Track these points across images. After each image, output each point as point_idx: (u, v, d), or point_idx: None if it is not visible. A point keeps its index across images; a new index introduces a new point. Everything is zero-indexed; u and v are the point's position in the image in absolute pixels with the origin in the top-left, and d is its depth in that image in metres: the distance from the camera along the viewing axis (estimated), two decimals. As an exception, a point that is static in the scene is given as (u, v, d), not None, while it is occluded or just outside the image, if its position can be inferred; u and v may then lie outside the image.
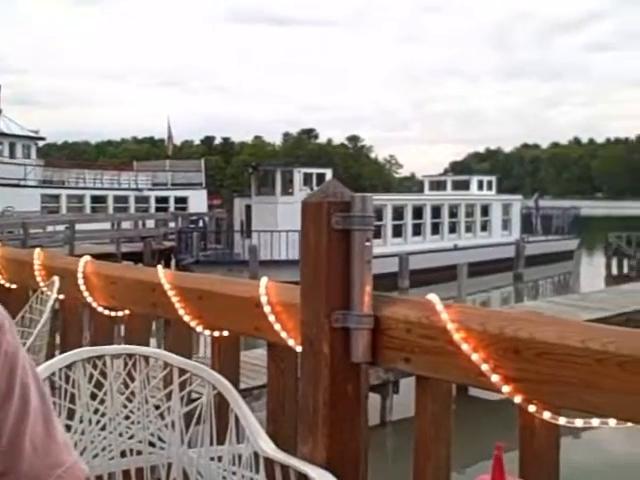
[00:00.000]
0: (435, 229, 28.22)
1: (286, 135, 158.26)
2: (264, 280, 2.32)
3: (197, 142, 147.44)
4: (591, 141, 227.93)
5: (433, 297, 1.86)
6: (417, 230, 27.38)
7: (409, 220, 26.89)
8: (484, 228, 30.74)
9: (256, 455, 1.99)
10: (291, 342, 2.15)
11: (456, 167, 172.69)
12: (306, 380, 1.98)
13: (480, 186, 33.49)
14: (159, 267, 2.73)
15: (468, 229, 29.99)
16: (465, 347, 1.73)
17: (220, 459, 2.05)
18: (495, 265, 27.80)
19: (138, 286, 2.84)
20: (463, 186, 33.35)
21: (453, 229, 29.17)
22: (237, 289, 2.45)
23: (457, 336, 1.74)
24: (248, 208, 25.23)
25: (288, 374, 2.26)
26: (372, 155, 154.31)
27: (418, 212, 27.42)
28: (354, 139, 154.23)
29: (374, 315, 1.93)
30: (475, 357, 1.71)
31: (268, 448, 1.99)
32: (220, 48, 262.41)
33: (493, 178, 35.47)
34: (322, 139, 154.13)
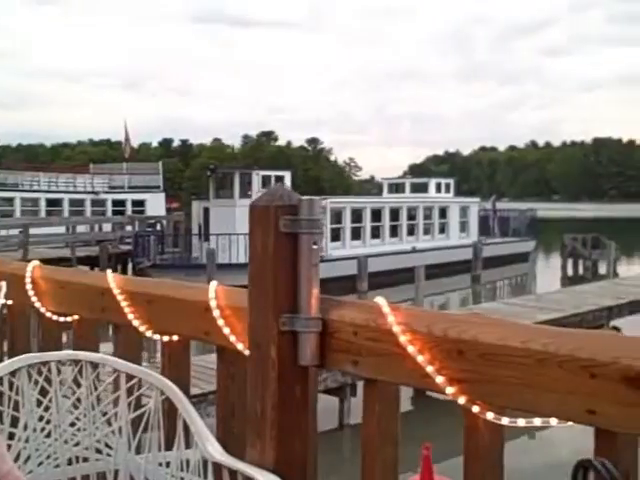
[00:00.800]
0: (394, 231, 28.41)
1: (245, 137, 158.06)
2: (213, 284, 2.31)
3: (155, 144, 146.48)
4: (548, 144, 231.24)
5: (380, 300, 1.87)
6: (376, 233, 27.53)
7: (368, 223, 27.04)
8: (442, 230, 31.03)
9: (204, 460, 1.99)
10: (240, 346, 2.15)
11: (415, 170, 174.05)
12: (254, 384, 1.98)
13: (438, 189, 33.79)
14: (108, 271, 2.71)
15: (426, 231, 30.25)
16: (411, 349, 1.74)
17: (168, 465, 2.04)
18: (453, 267, 28.07)
19: (87, 291, 2.81)
20: (421, 189, 33.63)
21: (412, 231, 29.40)
22: (187, 293, 2.43)
23: (403, 338, 1.76)
24: (206, 211, 25.12)
25: (238, 378, 2.26)
26: (332, 158, 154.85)
27: (377, 215, 27.58)
28: (314, 142, 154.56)
29: (322, 318, 1.94)
30: (420, 359, 1.72)
31: (216, 453, 1.98)
32: (179, 49, 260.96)
33: (451, 181, 35.83)
34: (282, 142, 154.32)
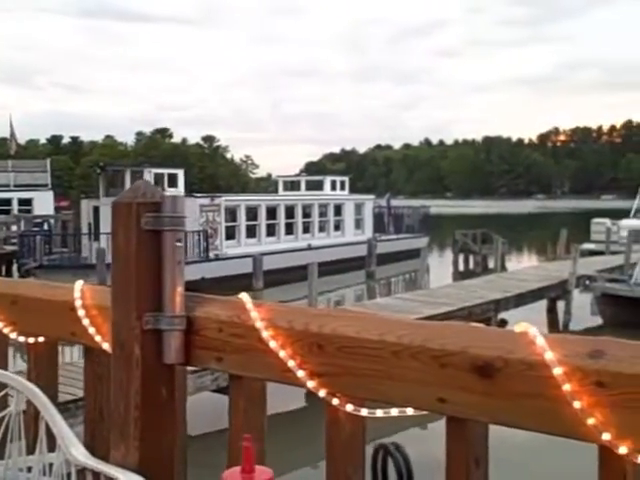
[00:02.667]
0: (289, 229, 28.50)
1: (139, 134, 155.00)
2: (79, 283, 2.26)
3: (43, 141, 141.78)
4: (441, 142, 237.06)
5: (244, 296, 1.87)
6: (271, 230, 27.55)
7: (263, 221, 27.02)
8: (337, 227, 31.33)
9: (67, 463, 1.94)
10: (106, 346, 2.10)
11: (312, 167, 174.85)
12: (118, 384, 1.95)
13: (333, 186, 34.10)
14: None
15: (322, 229, 30.48)
16: (273, 344, 1.75)
17: (30, 470, 1.98)
18: (349, 264, 28.40)
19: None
20: (317, 186, 33.86)
21: (307, 229, 29.57)
22: (52, 293, 2.36)
23: (266, 334, 1.76)
24: (96, 210, 24.51)
25: (106, 379, 2.21)
26: (228, 155, 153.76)
27: (272, 212, 27.60)
28: (209, 139, 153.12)
29: (187, 316, 1.92)
30: (282, 354, 1.73)
31: (80, 456, 1.94)
32: (68, 44, 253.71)
33: (346, 178, 36.23)
34: (177, 139, 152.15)
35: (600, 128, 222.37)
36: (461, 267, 34.16)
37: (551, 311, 19.78)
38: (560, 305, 19.63)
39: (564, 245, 27.79)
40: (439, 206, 79.77)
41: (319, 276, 18.51)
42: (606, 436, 1.27)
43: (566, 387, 1.31)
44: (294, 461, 8.61)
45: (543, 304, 19.67)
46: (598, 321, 18.75)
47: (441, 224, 50.35)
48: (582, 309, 19.37)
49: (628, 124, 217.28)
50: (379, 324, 1.65)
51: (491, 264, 32.70)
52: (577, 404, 1.30)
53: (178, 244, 1.93)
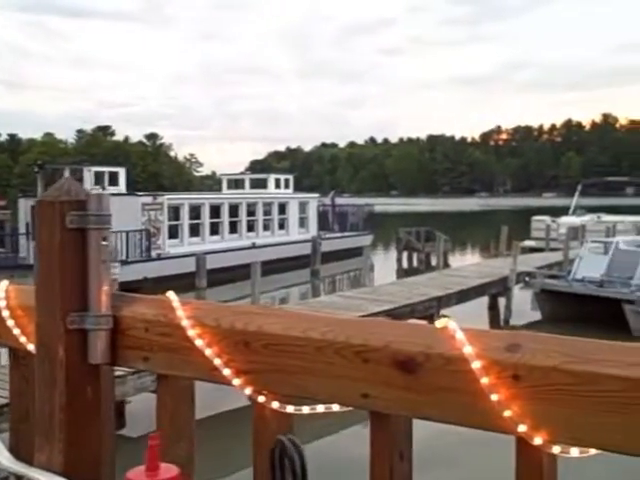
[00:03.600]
0: (233, 228, 28.37)
1: (80, 132, 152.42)
2: (4, 283, 2.21)
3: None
4: (386, 141, 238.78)
5: (171, 294, 1.86)
6: (215, 229, 27.39)
7: (207, 219, 26.85)
8: (282, 226, 31.31)
9: (-9, 467, 1.90)
10: (31, 347, 2.07)
11: (257, 165, 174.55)
12: (42, 385, 1.91)
13: (277, 184, 34.09)
14: None
15: (266, 227, 30.43)
16: (199, 343, 1.74)
17: (-48, 475, 1.93)
18: (293, 262, 28.42)
19: None
20: (261, 185, 33.81)
21: (251, 228, 29.48)
22: (-24, 294, 2.31)
23: (192, 332, 1.75)
24: (34, 209, 24.01)
25: (31, 381, 2.17)
26: (172, 153, 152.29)
27: (216, 211, 27.45)
28: (153, 137, 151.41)
29: (113, 315, 1.90)
30: (209, 352, 1.72)
31: (4, 459, 1.90)
32: (6, 39, 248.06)
33: (290, 177, 36.25)
34: (119, 137, 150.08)
35: (541, 127, 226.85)
36: (405, 265, 34.47)
37: (492, 307, 20.12)
38: (501, 301, 19.97)
39: (505, 242, 28.24)
40: (384, 204, 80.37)
41: (264, 275, 18.50)
42: (522, 428, 1.30)
43: (484, 380, 1.33)
44: (230, 462, 8.58)
45: (485, 300, 19.99)
46: (538, 316, 19.13)
47: (386, 222, 50.73)
48: (523, 305, 19.73)
49: (568, 123, 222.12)
50: (304, 321, 1.66)
51: (434, 261, 33.07)
52: (494, 397, 1.32)
53: (104, 243, 1.91)
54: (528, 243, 33.59)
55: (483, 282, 19.24)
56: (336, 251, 31.76)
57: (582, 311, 17.17)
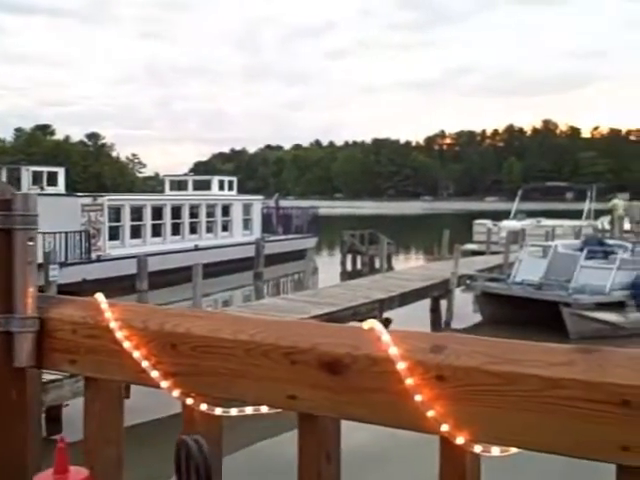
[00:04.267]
0: (176, 229, 28.12)
1: (18, 131, 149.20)
2: None
3: None
4: (331, 143, 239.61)
5: (99, 296, 1.83)
6: (157, 231, 27.10)
7: (148, 221, 26.55)
8: (225, 228, 31.15)
9: None
10: (-45, 350, 2.01)
11: (201, 167, 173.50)
12: (-36, 390, 1.87)
13: (221, 186, 33.92)
14: None
15: (209, 229, 30.23)
16: (127, 345, 1.72)
17: None
18: (237, 264, 28.30)
19: None
20: (204, 186, 33.59)
21: (194, 229, 29.25)
22: None
23: (120, 334, 1.73)
24: None
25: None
26: (114, 154, 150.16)
27: (158, 212, 27.16)
28: (94, 136, 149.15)
29: (39, 317, 1.87)
30: (137, 354, 1.71)
31: None
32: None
33: (234, 179, 36.12)
34: (59, 136, 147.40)
35: (484, 132, 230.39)
36: (349, 267, 34.61)
37: (434, 310, 20.32)
38: (443, 304, 20.19)
39: (447, 246, 28.59)
40: (329, 207, 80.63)
41: (207, 277, 18.38)
42: (445, 427, 1.31)
43: (408, 381, 1.35)
44: (165, 466, 8.49)
45: (427, 303, 20.19)
46: (479, 319, 19.40)
47: (331, 225, 50.91)
48: (465, 307, 19.99)
49: (510, 128, 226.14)
50: (232, 323, 1.65)
51: (378, 264, 33.29)
52: (418, 397, 1.33)
53: (30, 243, 1.87)
54: (470, 246, 34.04)
55: (425, 285, 19.43)
56: (280, 254, 31.73)
57: (521, 313, 17.46)
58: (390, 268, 29.97)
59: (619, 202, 34.93)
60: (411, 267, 27.98)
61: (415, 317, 18.68)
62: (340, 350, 1.45)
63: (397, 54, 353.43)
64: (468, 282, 20.71)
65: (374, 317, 15.64)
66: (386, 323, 17.00)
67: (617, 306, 17.63)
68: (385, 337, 1.41)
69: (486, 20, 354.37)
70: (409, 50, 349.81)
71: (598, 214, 40.15)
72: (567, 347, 1.26)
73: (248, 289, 27.02)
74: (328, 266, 35.07)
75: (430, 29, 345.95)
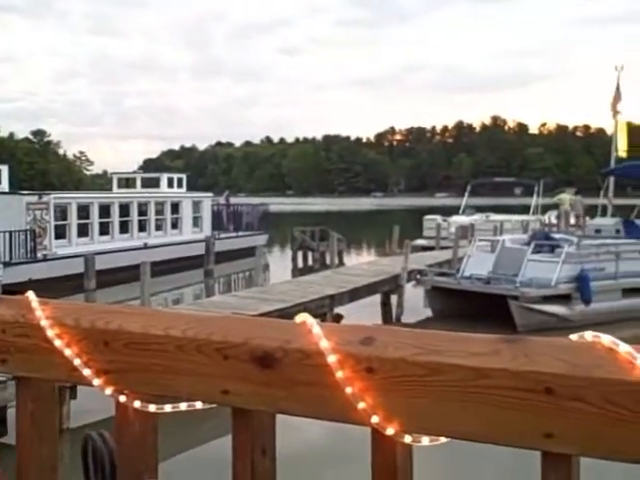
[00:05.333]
0: (124, 228, 27.81)
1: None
2: None
3: None
4: (282, 140, 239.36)
5: (30, 294, 1.80)
6: (105, 229, 26.76)
7: (96, 219, 26.20)
8: (175, 226, 30.91)
9: None
10: None
11: (150, 164, 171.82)
12: None
13: (170, 184, 33.64)
14: None
15: (158, 227, 29.95)
16: (58, 343, 1.69)
17: None
18: (187, 262, 28.11)
19: None
20: (153, 184, 33.28)
21: (143, 227, 28.95)
22: None
23: (51, 332, 1.71)
24: None
25: None
26: (60, 151, 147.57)
27: (105, 210, 26.82)
28: (40, 133, 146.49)
29: (-32, 316, 1.82)
30: (68, 352, 1.68)
31: None
32: None
33: (183, 176, 35.84)
34: (3, 133, 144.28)
35: (434, 128, 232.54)
36: (300, 264, 34.63)
37: (385, 305, 20.46)
38: (394, 299, 20.33)
39: (397, 241, 28.79)
40: (280, 204, 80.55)
41: (157, 275, 18.23)
42: (375, 419, 1.32)
43: (339, 374, 1.35)
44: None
45: (378, 298, 20.31)
46: (429, 313, 19.59)
47: (282, 221, 50.89)
48: (415, 302, 20.15)
49: (459, 125, 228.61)
50: (165, 319, 1.64)
51: (330, 260, 33.35)
52: (349, 390, 1.34)
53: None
54: (420, 242, 34.35)
55: (376, 280, 19.54)
56: (230, 251, 31.59)
57: (471, 307, 17.69)
58: (341, 264, 30.06)
59: (565, 196, 35.55)
60: (362, 263, 28.11)
61: (366, 312, 18.80)
62: (272, 344, 1.45)
63: (348, 51, 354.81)
64: (418, 277, 20.88)
65: (324, 313, 15.69)
66: (337, 319, 17.15)
67: (563, 299, 17.97)
68: (316, 330, 1.41)
69: (436, 18, 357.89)
70: (360, 47, 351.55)
71: (545, 209, 40.83)
72: (492, 337, 1.28)
73: (199, 287, 26.87)
74: (279, 263, 35.05)
75: (380, 26, 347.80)
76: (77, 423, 8.46)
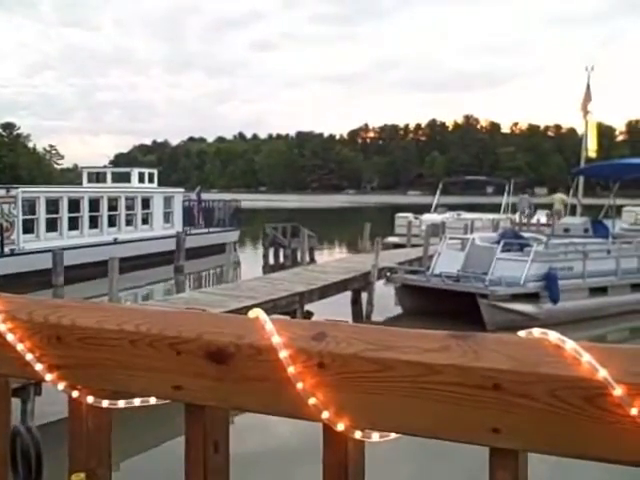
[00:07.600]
0: (94, 222, 27.58)
1: None
2: None
3: None
4: (255, 136, 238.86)
5: (-18, 288, 1.78)
6: (74, 224, 26.52)
7: (65, 213, 25.94)
8: (145, 221, 30.71)
9: None
10: None
11: (122, 159, 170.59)
12: None
13: (141, 179, 33.41)
14: None
15: (129, 222, 29.74)
16: (11, 338, 1.68)
17: None
18: (157, 258, 27.96)
19: None
20: (124, 178, 33.03)
21: (113, 222, 28.73)
22: None
23: (3, 327, 1.69)
24: None
25: None
26: (30, 144, 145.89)
27: (75, 205, 26.57)
28: (9, 126, 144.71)
29: None
30: (20, 347, 1.67)
31: None
32: None
33: (155, 171, 35.62)
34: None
35: (407, 126, 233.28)
36: (271, 260, 34.58)
37: (355, 302, 20.48)
38: (364, 296, 20.36)
39: (368, 239, 28.85)
40: (253, 200, 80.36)
41: (126, 271, 18.12)
42: (326, 415, 1.32)
43: (290, 369, 1.35)
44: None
45: (348, 295, 20.33)
46: (400, 311, 19.66)
47: (255, 218, 50.81)
48: (386, 300, 20.20)
49: (432, 123, 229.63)
50: (119, 314, 1.63)
51: (300, 257, 33.34)
52: (300, 385, 1.34)
53: None
54: (391, 239, 34.46)
55: (346, 277, 19.55)
56: (202, 247, 31.47)
57: (440, 305, 17.77)
58: (312, 261, 30.06)
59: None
60: (333, 260, 28.14)
61: (336, 310, 18.80)
62: (225, 339, 1.45)
63: (322, 47, 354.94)
64: (388, 275, 20.94)
65: (294, 310, 15.67)
66: (307, 316, 17.11)
67: (531, 297, 18.13)
68: (269, 326, 1.41)
69: (410, 15, 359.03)
70: (333, 43, 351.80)
71: (515, 207, 41.16)
72: (442, 333, 1.29)
73: (169, 283, 26.72)
74: (251, 259, 34.97)
75: (354, 23, 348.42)
76: (42, 420, 8.37)
